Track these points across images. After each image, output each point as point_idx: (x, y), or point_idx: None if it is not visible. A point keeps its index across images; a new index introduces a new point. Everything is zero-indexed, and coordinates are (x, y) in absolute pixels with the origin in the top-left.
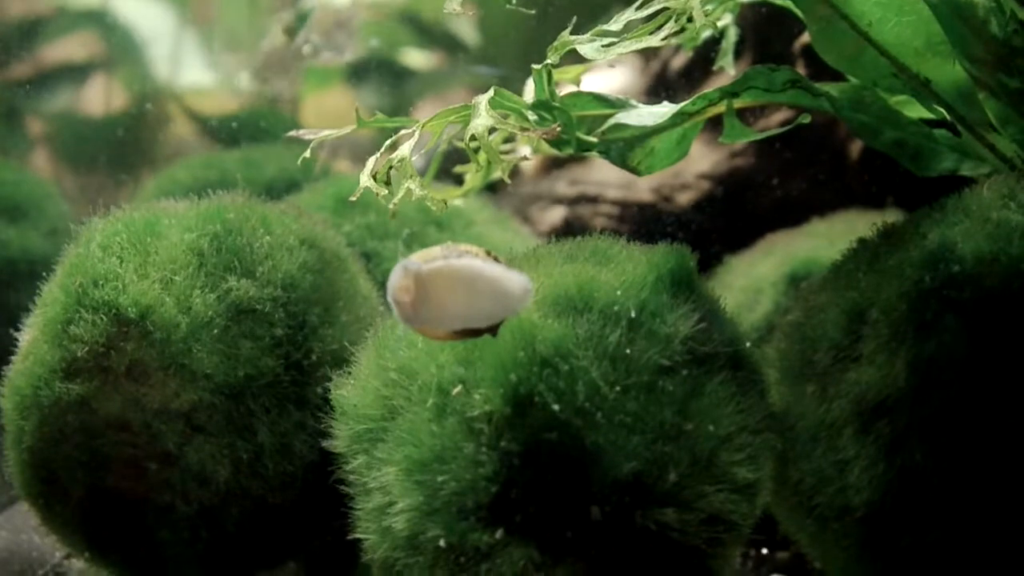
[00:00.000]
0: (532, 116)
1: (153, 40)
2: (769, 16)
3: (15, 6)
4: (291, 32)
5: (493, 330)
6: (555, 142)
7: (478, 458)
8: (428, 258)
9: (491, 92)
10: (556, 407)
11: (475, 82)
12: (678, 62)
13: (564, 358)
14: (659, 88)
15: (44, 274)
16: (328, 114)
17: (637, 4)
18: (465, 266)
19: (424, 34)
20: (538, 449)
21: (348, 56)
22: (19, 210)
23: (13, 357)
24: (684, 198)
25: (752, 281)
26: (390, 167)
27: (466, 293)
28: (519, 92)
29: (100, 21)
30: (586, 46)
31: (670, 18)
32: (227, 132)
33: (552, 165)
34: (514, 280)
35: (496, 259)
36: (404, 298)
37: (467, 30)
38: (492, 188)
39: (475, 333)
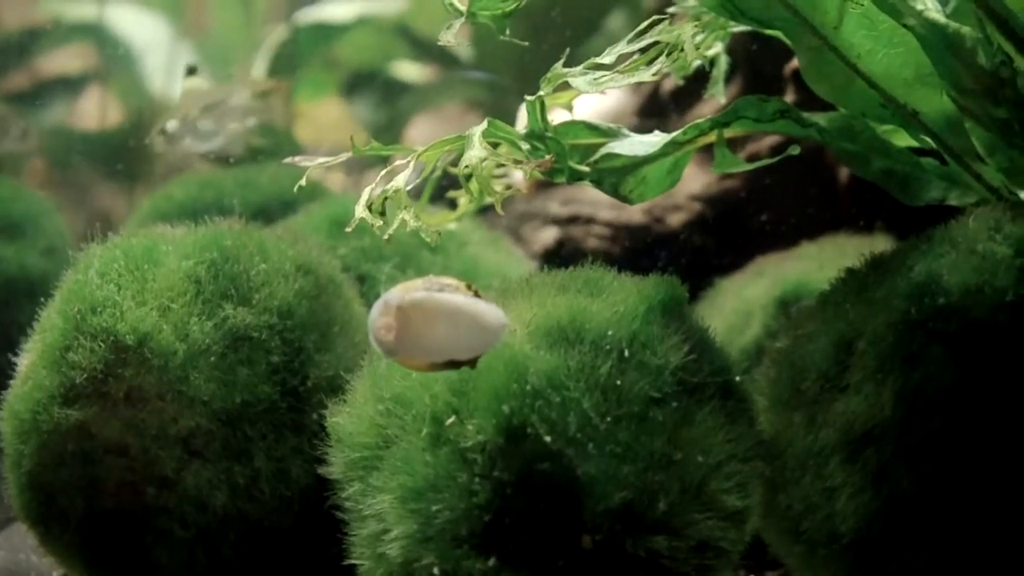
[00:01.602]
0: (525, 146)
1: (148, 51)
2: (760, 41)
3: (10, 18)
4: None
5: (472, 362)
6: (548, 172)
7: (472, 487)
8: (409, 291)
9: (485, 124)
10: (548, 438)
11: (470, 95)
12: (670, 83)
13: (556, 389)
14: (651, 108)
15: (42, 298)
16: (322, 126)
17: (629, 37)
18: (446, 300)
19: (418, 47)
20: (531, 479)
21: (218, 143)
22: (16, 227)
23: (12, 381)
24: (676, 219)
25: (742, 304)
26: (385, 197)
27: (446, 327)
28: (513, 102)
29: (95, 33)
30: (579, 79)
31: (662, 52)
32: None
33: (545, 185)
34: (491, 314)
35: (476, 293)
36: (385, 334)
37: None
38: (484, 208)
39: (454, 365)
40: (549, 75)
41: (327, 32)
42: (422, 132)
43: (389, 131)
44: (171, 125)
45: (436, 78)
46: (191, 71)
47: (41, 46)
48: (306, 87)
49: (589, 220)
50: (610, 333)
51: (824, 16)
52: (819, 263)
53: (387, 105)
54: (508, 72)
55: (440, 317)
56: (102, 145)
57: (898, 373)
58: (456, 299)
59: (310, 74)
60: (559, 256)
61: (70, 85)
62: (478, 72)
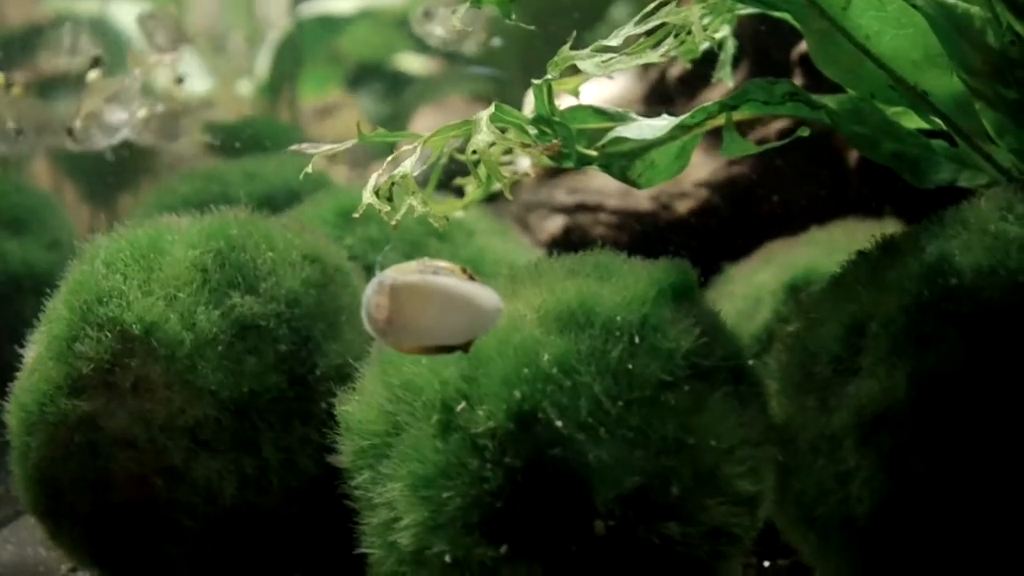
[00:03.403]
0: (533, 131)
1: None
2: (767, 24)
3: (13, 14)
4: None
5: (466, 347)
6: (556, 156)
7: (482, 474)
8: (403, 273)
9: (492, 108)
10: (559, 423)
11: (474, 87)
12: (676, 71)
13: (567, 374)
14: (658, 96)
15: (48, 289)
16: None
17: (636, 19)
18: (440, 283)
19: (421, 39)
20: (542, 464)
21: (126, 132)
22: (20, 222)
23: (18, 373)
24: (683, 206)
25: (751, 290)
26: (392, 183)
27: (440, 310)
28: (519, 96)
29: (99, 29)
30: (586, 61)
31: (669, 33)
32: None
33: (551, 173)
34: (487, 298)
35: (471, 276)
36: (378, 314)
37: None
38: (491, 197)
39: (447, 349)
40: (556, 58)
41: (330, 25)
42: (427, 124)
43: (394, 123)
44: (77, 124)
45: (440, 70)
46: (95, 62)
47: (44, 42)
48: (310, 81)
49: (596, 208)
50: (620, 317)
51: None
52: (828, 249)
53: (391, 98)
54: (512, 65)
55: (433, 300)
56: None
57: (911, 355)
58: (450, 282)
59: (314, 68)
60: (567, 244)
61: (73, 82)
62: (482, 68)
